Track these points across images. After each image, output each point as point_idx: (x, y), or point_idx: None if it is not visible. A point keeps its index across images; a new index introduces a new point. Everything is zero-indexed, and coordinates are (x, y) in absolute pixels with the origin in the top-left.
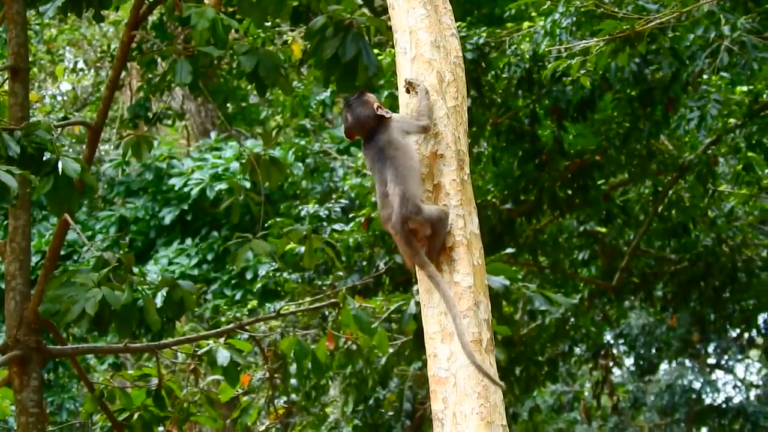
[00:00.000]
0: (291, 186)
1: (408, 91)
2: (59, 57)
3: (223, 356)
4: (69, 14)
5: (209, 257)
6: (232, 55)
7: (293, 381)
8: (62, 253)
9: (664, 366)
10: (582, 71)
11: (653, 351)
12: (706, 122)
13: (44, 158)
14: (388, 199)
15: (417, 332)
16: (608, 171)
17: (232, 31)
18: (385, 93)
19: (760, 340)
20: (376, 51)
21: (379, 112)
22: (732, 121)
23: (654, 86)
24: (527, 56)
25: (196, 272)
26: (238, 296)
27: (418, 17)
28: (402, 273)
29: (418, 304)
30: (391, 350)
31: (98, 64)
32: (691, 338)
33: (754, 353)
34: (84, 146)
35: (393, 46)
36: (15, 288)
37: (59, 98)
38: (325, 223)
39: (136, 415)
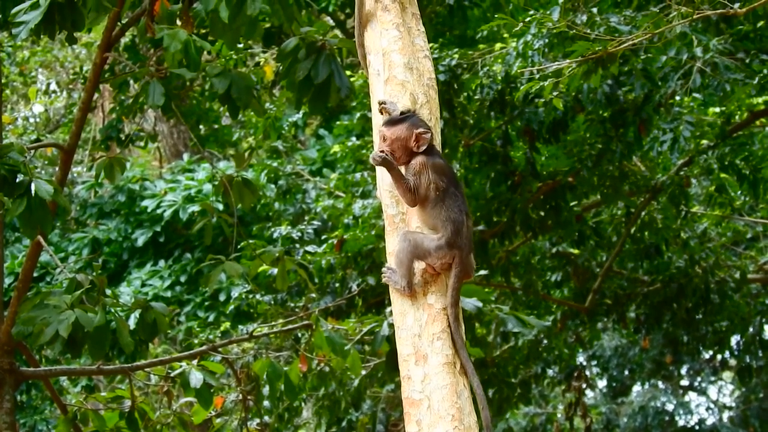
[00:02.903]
0: (263, 208)
1: (381, 113)
2: (32, 79)
3: (196, 378)
4: (41, 36)
5: (182, 279)
6: (204, 77)
7: (266, 403)
8: (35, 274)
9: (637, 388)
10: (554, 93)
11: (626, 373)
12: (679, 144)
13: (17, 180)
14: (468, 225)
15: (390, 354)
16: (581, 192)
17: (205, 52)
18: (357, 115)
19: (733, 362)
20: (348, 72)
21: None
22: (704, 142)
23: (626, 107)
24: (499, 78)
25: (169, 294)
26: (211, 318)
27: (391, 39)
28: (375, 294)
29: (391, 325)
30: (364, 372)
31: (71, 86)
32: (664, 360)
33: (727, 375)
34: (57, 168)
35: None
36: None
37: (32, 120)
38: (297, 245)
39: None
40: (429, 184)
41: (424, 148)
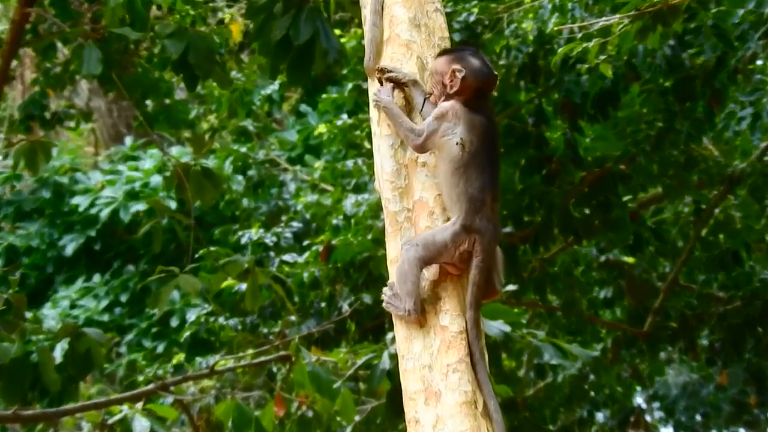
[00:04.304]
0: (229, 205)
1: (381, 83)
2: None
3: (141, 426)
4: None
5: (123, 298)
6: (153, 39)
7: None
8: None
9: None
10: (602, 57)
11: (698, 417)
12: (762, 121)
13: None
14: (493, 207)
15: (392, 393)
16: (636, 184)
17: (154, 7)
18: (350, 85)
19: None
20: (337, 32)
21: None
22: None
23: (694, 75)
24: (531, 38)
25: (106, 318)
26: (160, 348)
27: None
28: (372, 316)
29: (393, 356)
30: (358, 417)
31: None
32: (747, 400)
33: None
34: None
35: (360, 26)
36: None
37: None
38: (272, 253)
39: None
40: (448, 136)
41: (455, 89)
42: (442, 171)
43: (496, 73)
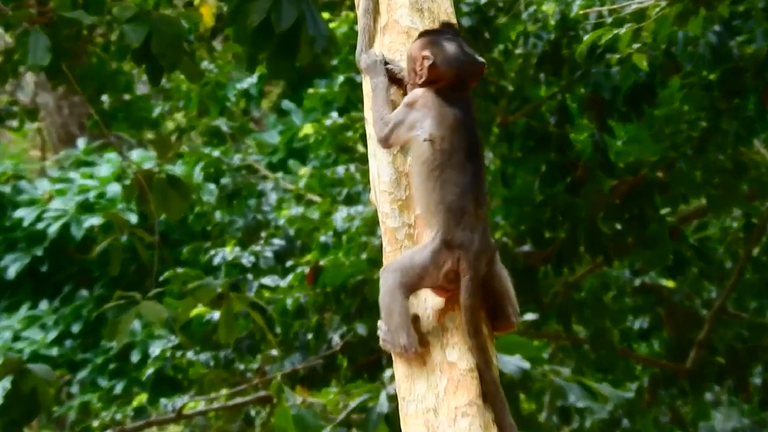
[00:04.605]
0: (199, 219)
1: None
2: None
3: None
4: None
5: (75, 329)
6: (110, 23)
7: None
8: None
9: None
10: (635, 45)
11: None
12: None
13: None
14: (478, 214)
15: None
16: (676, 194)
17: None
18: (341, 78)
19: None
20: (325, 15)
21: None
22: None
23: (743, 67)
24: (552, 22)
25: (55, 352)
26: (118, 388)
27: None
28: (367, 351)
29: (392, 397)
30: None
31: None
32: None
33: None
34: None
35: (352, 8)
36: None
37: None
38: (250, 276)
39: None
40: (416, 130)
41: (423, 78)
42: (415, 176)
43: (481, 60)
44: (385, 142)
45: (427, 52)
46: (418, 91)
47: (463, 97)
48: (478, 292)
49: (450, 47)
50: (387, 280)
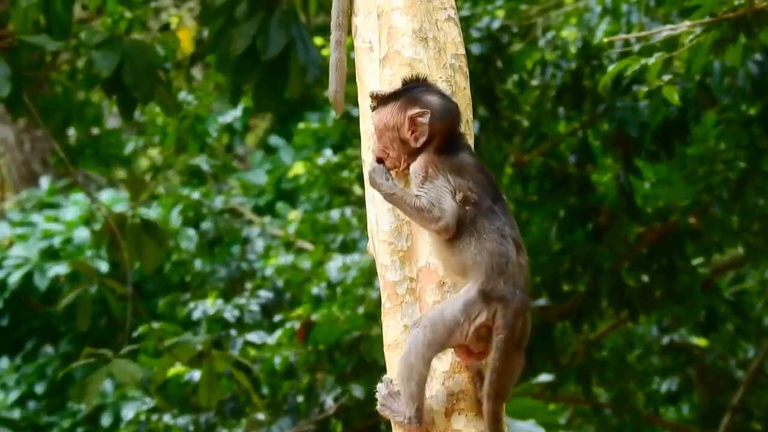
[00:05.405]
0: (176, 268)
1: (373, 110)
2: None
3: None
4: None
5: (39, 389)
6: (77, 49)
7: None
8: None
9: None
10: (666, 76)
11: None
12: None
13: None
14: (516, 269)
15: None
16: (710, 243)
17: (78, 7)
18: (334, 113)
19: None
20: (318, 41)
21: None
22: None
23: None
24: (573, 50)
25: (17, 414)
26: None
27: None
28: (363, 415)
29: None
30: None
31: None
32: None
33: None
34: None
35: (349, 32)
36: None
37: None
38: (234, 332)
39: None
40: (455, 193)
41: (422, 140)
42: (443, 239)
43: (455, 101)
44: (451, 230)
45: (416, 110)
46: (419, 162)
47: (465, 143)
48: (510, 355)
49: (432, 97)
50: (417, 337)
